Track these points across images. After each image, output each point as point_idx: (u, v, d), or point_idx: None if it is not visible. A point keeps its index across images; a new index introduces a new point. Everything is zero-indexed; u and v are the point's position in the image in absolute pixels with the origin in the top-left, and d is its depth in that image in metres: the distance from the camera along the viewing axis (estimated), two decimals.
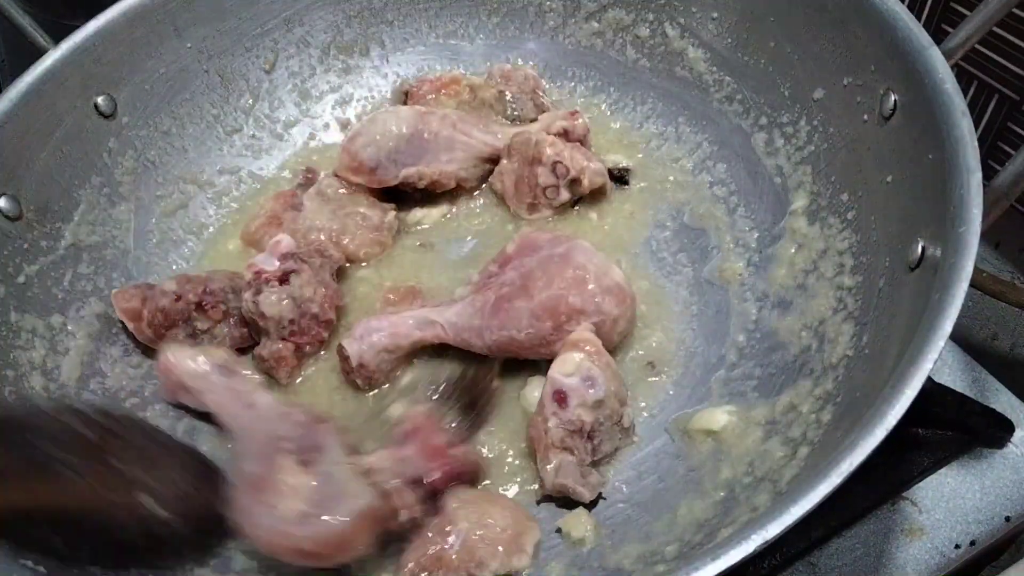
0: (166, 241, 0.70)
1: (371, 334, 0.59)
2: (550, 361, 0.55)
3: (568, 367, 0.53)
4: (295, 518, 0.46)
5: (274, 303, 0.59)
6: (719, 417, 0.55)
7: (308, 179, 0.73)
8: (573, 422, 0.52)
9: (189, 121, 0.73)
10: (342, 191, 0.69)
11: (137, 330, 0.62)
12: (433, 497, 0.51)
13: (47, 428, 0.47)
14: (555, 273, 0.56)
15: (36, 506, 0.45)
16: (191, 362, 0.58)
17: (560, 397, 0.52)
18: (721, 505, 0.50)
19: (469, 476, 0.52)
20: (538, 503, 0.54)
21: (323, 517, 0.46)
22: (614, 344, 0.58)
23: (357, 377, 0.59)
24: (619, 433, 0.54)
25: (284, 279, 0.59)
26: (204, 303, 0.61)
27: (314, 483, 0.48)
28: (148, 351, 0.64)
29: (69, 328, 0.62)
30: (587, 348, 0.54)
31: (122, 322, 0.63)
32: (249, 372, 0.59)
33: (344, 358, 0.59)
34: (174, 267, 0.70)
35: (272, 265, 0.60)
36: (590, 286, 0.56)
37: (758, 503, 0.47)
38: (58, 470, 0.46)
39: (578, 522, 0.52)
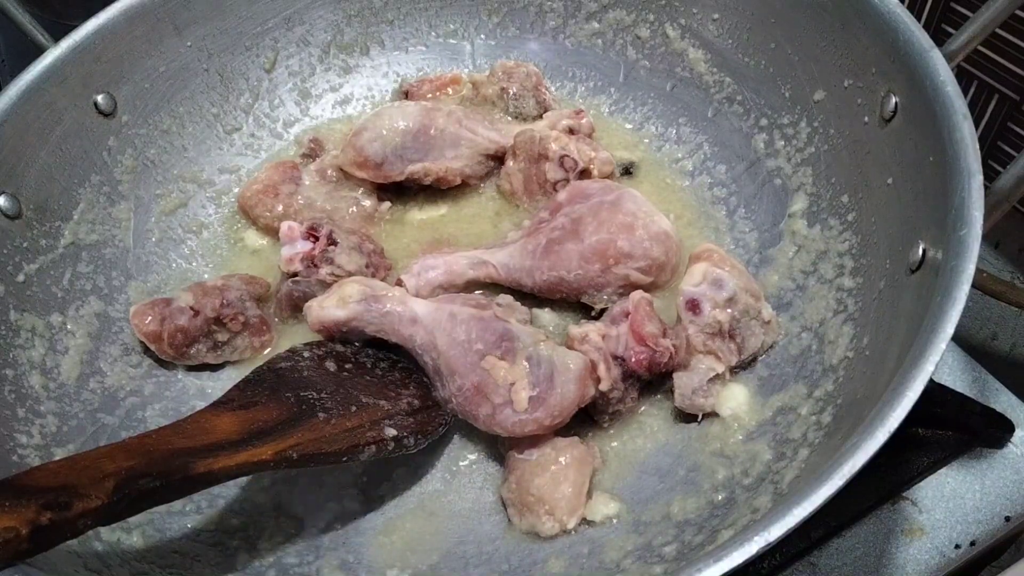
0: (165, 240, 0.70)
1: (428, 271, 0.62)
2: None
3: (695, 277, 0.56)
4: (530, 405, 0.51)
5: (348, 257, 0.62)
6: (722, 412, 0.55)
7: (312, 150, 0.73)
8: (710, 324, 0.54)
9: (189, 120, 0.72)
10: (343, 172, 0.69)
11: (159, 350, 0.62)
12: (631, 378, 0.54)
13: (304, 371, 0.52)
14: (605, 218, 0.59)
15: (298, 451, 0.48)
16: (338, 311, 0.57)
17: (692, 305, 0.55)
18: (722, 506, 0.50)
19: (668, 367, 0.54)
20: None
21: (553, 391, 0.51)
22: (660, 287, 0.61)
23: None
24: (760, 328, 0.56)
25: (331, 241, 0.63)
26: (223, 317, 0.62)
27: (527, 367, 0.52)
28: (147, 350, 0.64)
29: (68, 327, 0.62)
30: (712, 256, 0.57)
31: (123, 325, 0.63)
32: (388, 286, 0.59)
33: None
34: (173, 265, 0.70)
35: (307, 245, 0.63)
36: (638, 232, 0.58)
37: (759, 505, 0.47)
38: (317, 415, 0.50)
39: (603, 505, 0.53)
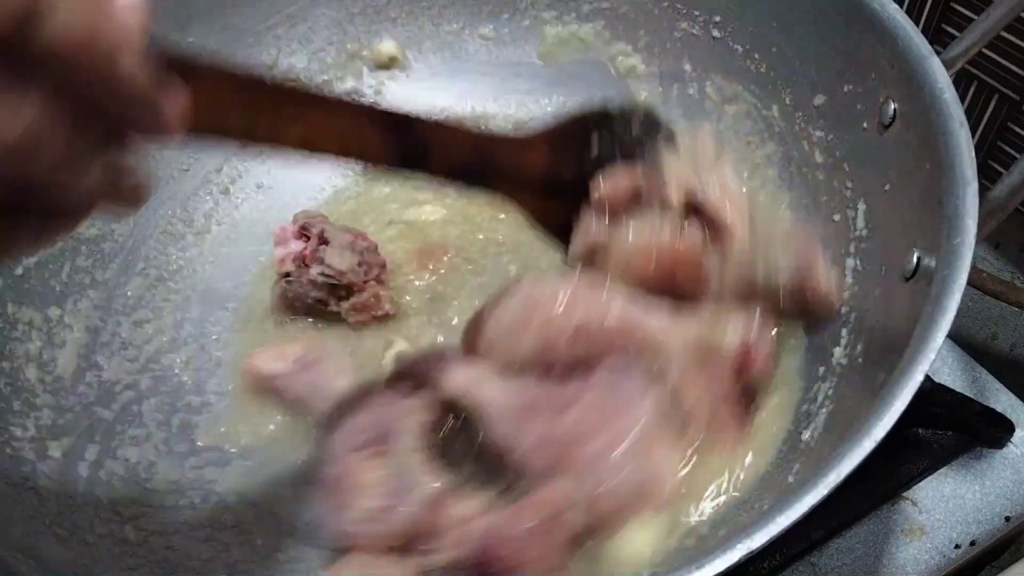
0: (165, 235, 0.70)
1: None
2: None
3: None
4: (369, 515, 0.46)
5: (339, 257, 0.61)
6: None
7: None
8: None
9: None
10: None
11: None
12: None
13: None
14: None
15: None
16: (270, 365, 0.58)
17: None
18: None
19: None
20: None
21: (398, 508, 0.47)
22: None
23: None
24: None
25: (322, 241, 0.63)
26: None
27: (385, 476, 0.48)
28: (144, 346, 0.64)
29: (66, 320, 0.62)
30: None
31: (121, 320, 0.63)
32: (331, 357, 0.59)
33: None
34: (173, 260, 0.70)
35: (299, 245, 0.63)
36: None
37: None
38: None
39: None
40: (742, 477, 0.49)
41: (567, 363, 0.52)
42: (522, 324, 0.53)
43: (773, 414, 0.52)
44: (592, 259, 0.56)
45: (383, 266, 0.66)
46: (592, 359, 0.52)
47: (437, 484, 0.47)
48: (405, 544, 0.47)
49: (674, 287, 0.54)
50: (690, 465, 0.49)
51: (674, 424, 0.49)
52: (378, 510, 0.47)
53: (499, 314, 0.54)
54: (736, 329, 0.51)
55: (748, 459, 0.50)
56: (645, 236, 0.54)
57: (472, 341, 0.55)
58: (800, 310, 0.55)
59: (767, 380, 0.52)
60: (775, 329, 0.53)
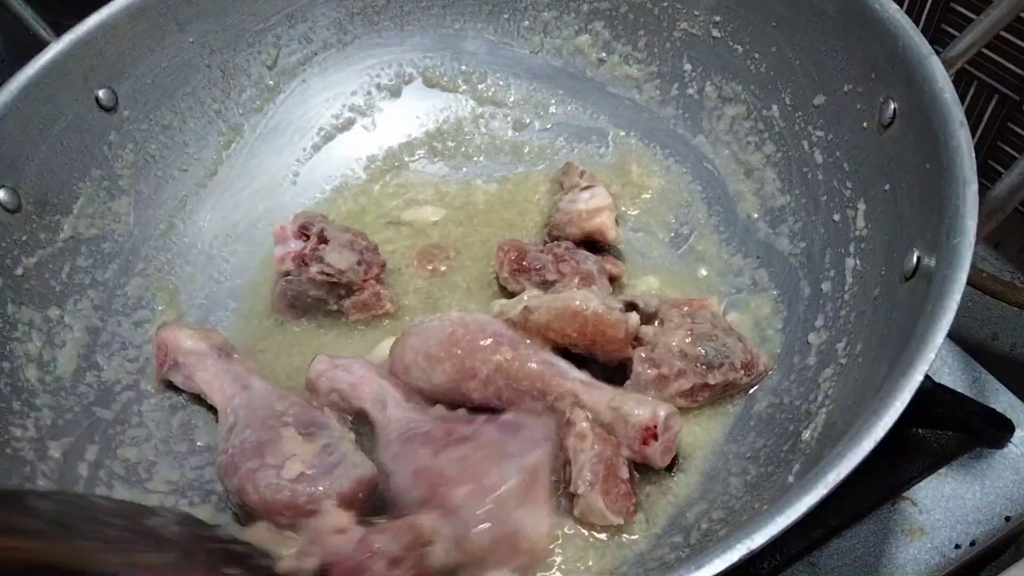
0: (165, 235, 0.70)
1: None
2: None
3: None
4: (295, 477, 0.47)
5: (338, 256, 0.62)
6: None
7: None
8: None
9: (190, 115, 0.72)
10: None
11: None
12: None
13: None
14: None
15: None
16: (188, 340, 0.58)
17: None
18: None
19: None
20: None
21: (326, 478, 0.47)
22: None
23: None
24: None
25: (321, 240, 0.63)
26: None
27: (317, 449, 0.48)
28: (144, 346, 0.64)
29: (66, 321, 0.62)
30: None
31: (121, 320, 0.64)
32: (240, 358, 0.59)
33: None
34: (172, 263, 0.70)
35: (299, 244, 0.63)
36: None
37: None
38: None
39: None
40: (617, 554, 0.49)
41: (477, 403, 0.53)
42: (445, 350, 0.53)
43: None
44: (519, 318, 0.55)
45: (383, 265, 0.66)
46: (503, 404, 0.52)
47: (367, 470, 0.48)
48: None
49: (592, 351, 0.55)
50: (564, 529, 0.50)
51: (553, 486, 0.49)
52: (303, 476, 0.47)
53: (425, 337, 0.55)
54: (646, 409, 0.50)
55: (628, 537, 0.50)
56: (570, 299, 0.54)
57: (393, 360, 0.56)
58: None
59: (666, 460, 0.51)
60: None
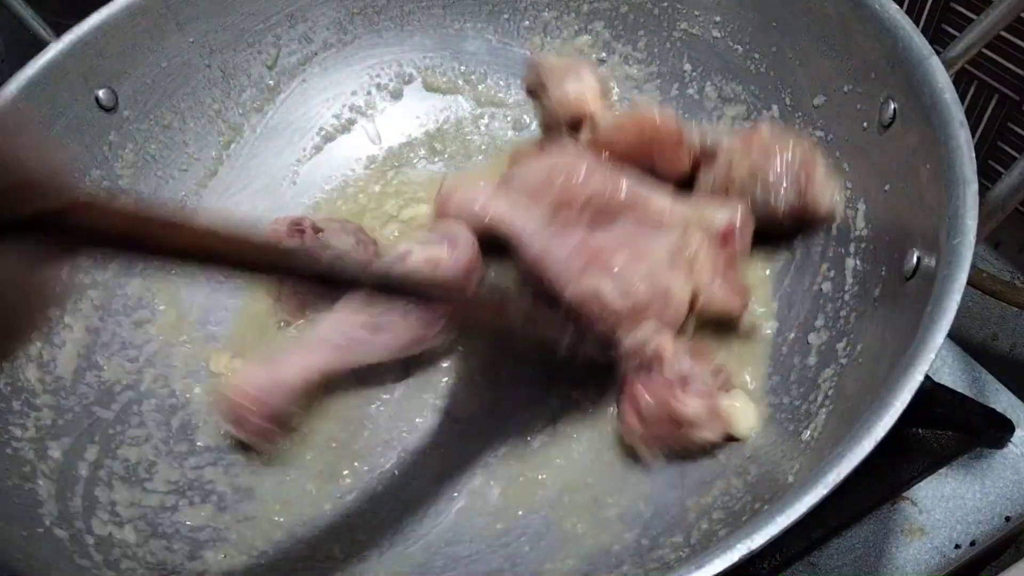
0: None
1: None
2: None
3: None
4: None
5: (336, 240, 0.62)
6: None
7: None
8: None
9: (190, 115, 0.72)
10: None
11: None
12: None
13: None
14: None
15: None
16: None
17: None
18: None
19: None
20: None
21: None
22: None
23: None
24: None
25: (316, 231, 0.63)
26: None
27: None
28: (144, 346, 0.64)
29: (66, 320, 0.62)
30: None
31: (121, 320, 0.63)
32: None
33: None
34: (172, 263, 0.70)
35: (297, 241, 0.63)
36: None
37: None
38: None
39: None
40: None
41: (585, 218, 0.57)
42: (545, 186, 0.57)
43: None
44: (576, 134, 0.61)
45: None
46: (606, 220, 0.57)
47: None
48: None
49: (653, 166, 0.60)
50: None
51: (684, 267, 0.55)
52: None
53: (524, 172, 0.58)
54: (724, 212, 0.57)
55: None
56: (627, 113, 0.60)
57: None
58: (799, 224, 0.58)
59: (745, 255, 0.57)
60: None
